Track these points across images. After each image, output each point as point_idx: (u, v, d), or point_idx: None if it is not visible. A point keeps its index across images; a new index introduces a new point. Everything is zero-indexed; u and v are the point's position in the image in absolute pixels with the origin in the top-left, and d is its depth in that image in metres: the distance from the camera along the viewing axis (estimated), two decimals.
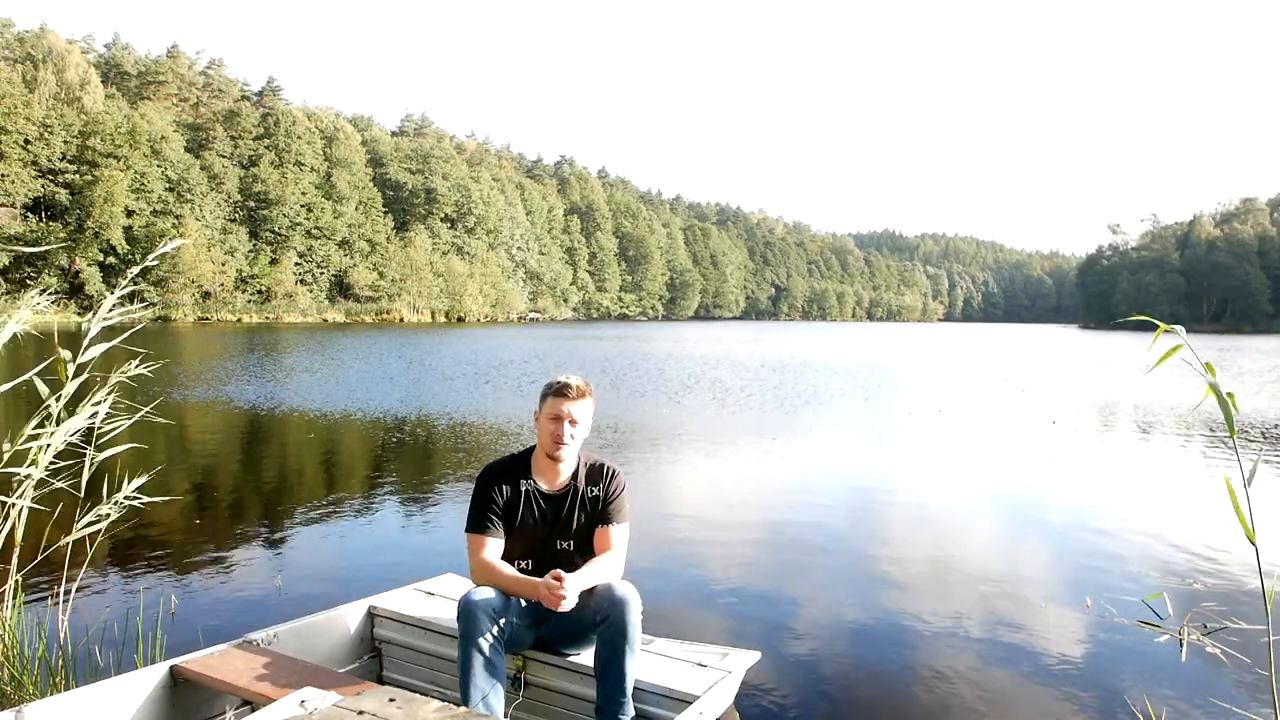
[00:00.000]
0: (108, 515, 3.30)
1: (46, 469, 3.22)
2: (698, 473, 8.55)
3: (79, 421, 3.29)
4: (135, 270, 3.56)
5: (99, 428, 3.42)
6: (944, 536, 6.05)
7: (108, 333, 3.57)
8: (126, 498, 3.36)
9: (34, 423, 3.20)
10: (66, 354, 3.24)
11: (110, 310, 3.47)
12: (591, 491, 2.92)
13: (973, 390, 18.94)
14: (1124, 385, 20.60)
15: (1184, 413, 13.98)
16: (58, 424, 3.23)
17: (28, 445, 3.19)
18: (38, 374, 3.19)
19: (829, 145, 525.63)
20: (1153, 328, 1.87)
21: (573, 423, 2.85)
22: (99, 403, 3.38)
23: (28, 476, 3.18)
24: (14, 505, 3.14)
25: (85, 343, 3.29)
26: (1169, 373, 25.20)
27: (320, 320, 72.21)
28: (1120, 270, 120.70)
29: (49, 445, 3.20)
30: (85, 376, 3.31)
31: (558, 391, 2.87)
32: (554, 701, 2.86)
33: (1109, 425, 13.20)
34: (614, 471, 2.98)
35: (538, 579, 2.70)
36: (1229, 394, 1.74)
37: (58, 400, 3.23)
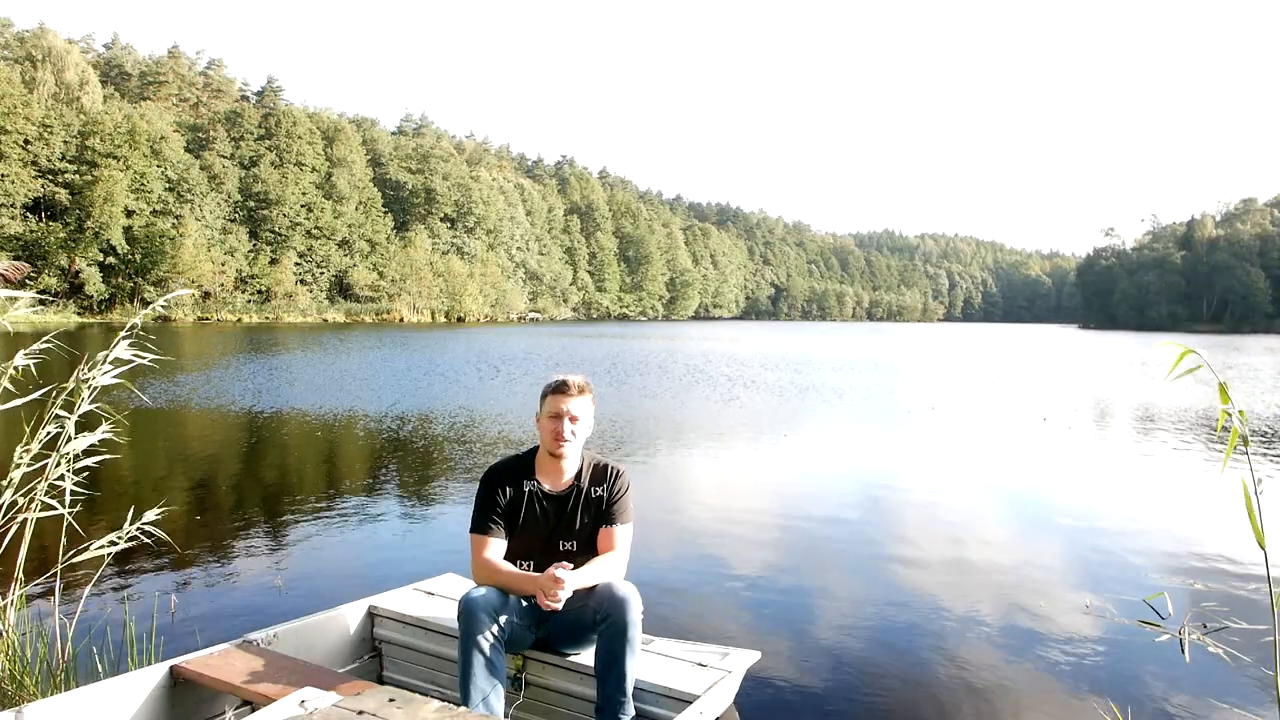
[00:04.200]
0: (123, 538, 3.30)
1: (54, 479, 3.23)
2: (698, 470, 8.54)
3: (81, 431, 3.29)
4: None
5: (99, 441, 3.42)
6: (943, 536, 6.05)
7: (106, 331, 3.56)
8: (141, 529, 3.36)
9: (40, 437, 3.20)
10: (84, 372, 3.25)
11: (129, 333, 3.47)
12: (595, 491, 2.93)
13: (969, 389, 18.93)
14: (1119, 384, 20.59)
15: (1192, 422, 13.97)
16: (72, 435, 3.24)
17: (35, 457, 3.20)
18: (40, 382, 3.20)
19: (829, 145, 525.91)
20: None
21: (573, 420, 2.86)
22: (104, 418, 3.37)
23: (34, 487, 3.18)
24: (22, 518, 3.14)
25: (99, 370, 3.28)
26: (1163, 371, 25.17)
27: (320, 320, 72.15)
28: (1120, 270, 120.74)
29: (59, 454, 3.21)
30: (93, 389, 3.31)
31: (557, 389, 2.89)
32: (554, 701, 2.86)
33: (1104, 423, 13.20)
34: (619, 472, 2.98)
35: (538, 574, 2.71)
36: (1239, 411, 1.76)
37: (70, 414, 3.24)
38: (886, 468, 9.07)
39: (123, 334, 3.52)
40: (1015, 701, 3.37)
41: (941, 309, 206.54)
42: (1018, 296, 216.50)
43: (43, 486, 3.22)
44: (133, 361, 3.49)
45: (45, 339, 3.49)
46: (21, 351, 3.35)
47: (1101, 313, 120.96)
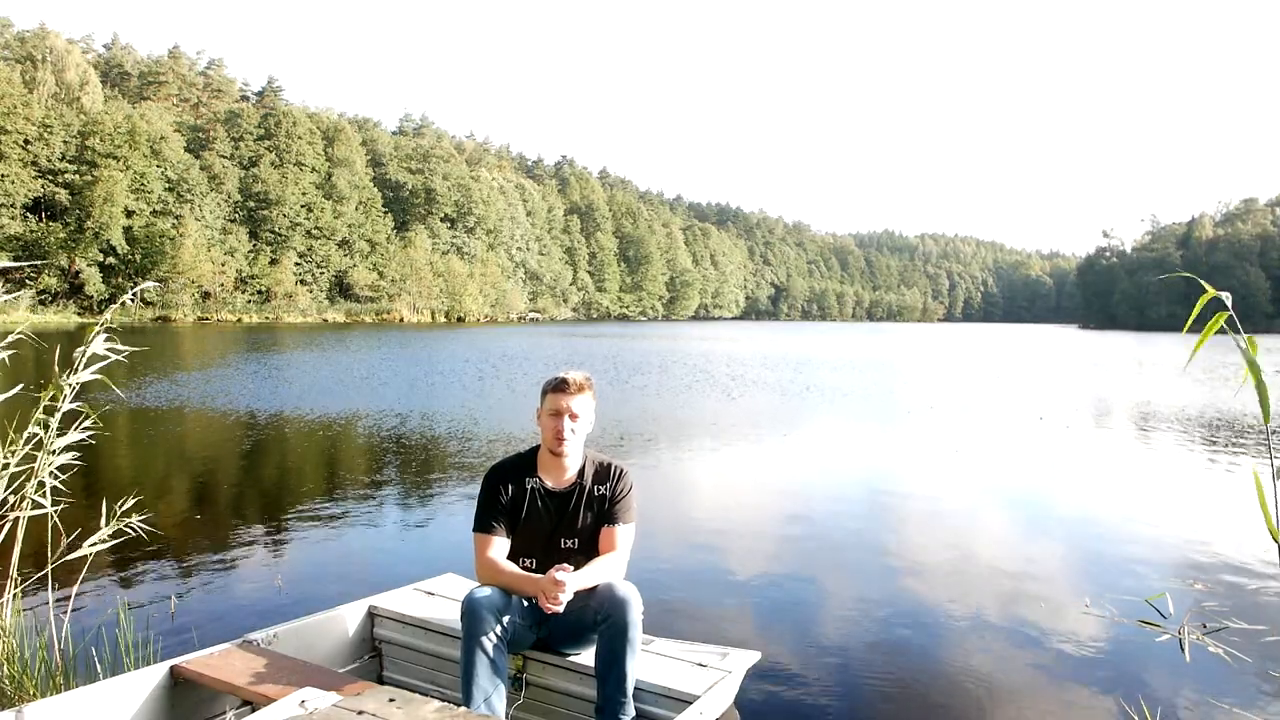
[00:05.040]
0: (115, 533, 3.30)
1: (49, 474, 3.23)
2: (698, 470, 8.55)
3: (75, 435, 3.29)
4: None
5: (92, 437, 3.41)
6: (942, 535, 6.05)
7: (106, 331, 3.56)
8: (130, 523, 3.36)
9: (30, 432, 3.19)
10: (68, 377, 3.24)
11: (101, 329, 3.45)
12: (598, 490, 2.93)
13: (968, 388, 18.93)
14: (1117, 383, 20.60)
15: (1190, 421, 13.98)
16: (58, 434, 3.23)
17: (26, 458, 3.19)
18: (37, 381, 3.19)
19: (829, 145, 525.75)
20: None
21: (573, 417, 2.85)
22: (87, 417, 3.36)
23: (28, 485, 3.18)
24: (16, 516, 3.14)
25: (78, 365, 3.27)
26: (1161, 371, 25.19)
27: (320, 320, 72.15)
28: (1120, 270, 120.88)
29: (51, 452, 3.21)
30: (87, 377, 3.31)
31: (556, 387, 2.88)
32: (554, 701, 2.86)
33: (1101, 422, 13.19)
34: (622, 471, 2.98)
35: (540, 576, 2.71)
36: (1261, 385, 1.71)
37: (54, 413, 3.23)
38: (886, 467, 9.07)
39: (97, 330, 3.50)
40: (1014, 702, 3.37)
41: (941, 309, 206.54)
42: (1018, 297, 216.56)
43: (33, 484, 3.21)
44: (109, 357, 3.47)
45: (13, 334, 3.48)
46: None
47: (1101, 313, 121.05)
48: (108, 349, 3.44)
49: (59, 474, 3.29)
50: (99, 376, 3.41)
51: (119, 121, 64.40)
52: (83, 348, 3.38)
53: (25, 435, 3.24)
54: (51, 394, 3.23)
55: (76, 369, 3.34)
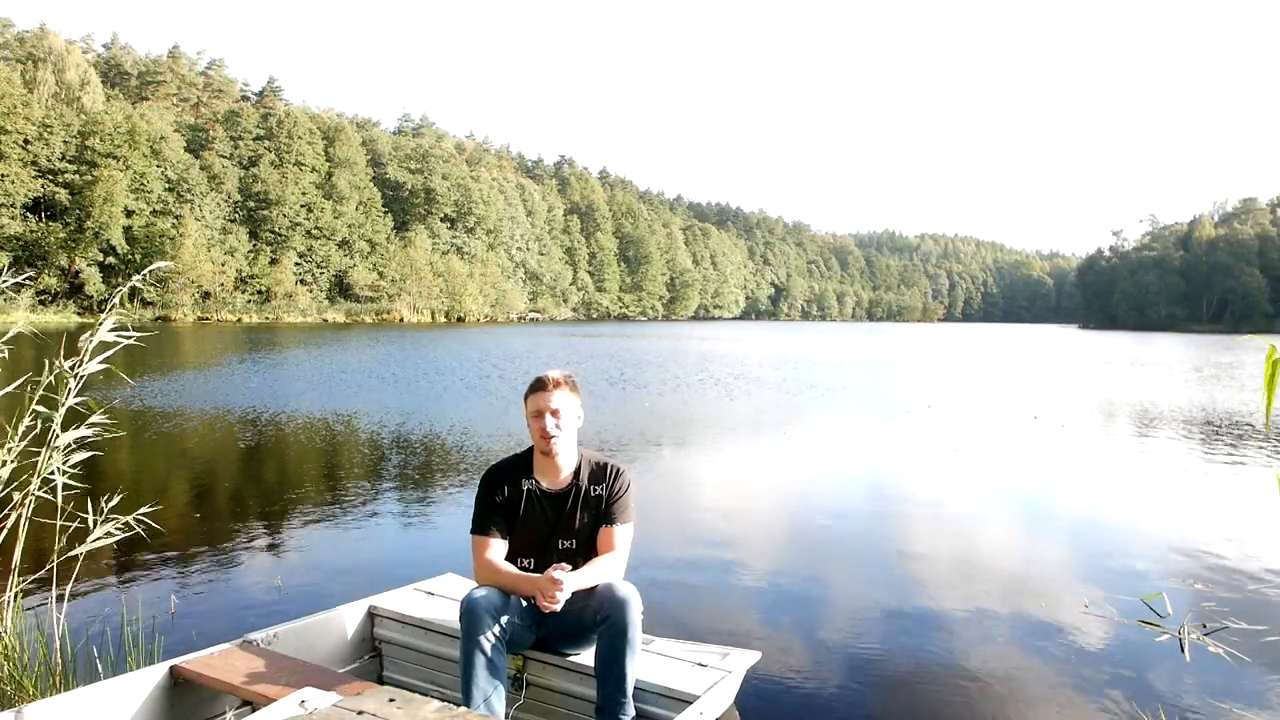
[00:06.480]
0: (116, 532, 3.30)
1: (50, 474, 3.22)
2: (698, 468, 8.54)
3: (78, 430, 3.28)
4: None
5: (93, 435, 3.40)
6: (942, 535, 6.05)
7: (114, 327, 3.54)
8: (135, 519, 3.36)
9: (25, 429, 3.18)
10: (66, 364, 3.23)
11: (110, 314, 3.44)
12: (595, 490, 2.93)
13: (967, 388, 18.93)
14: (1114, 382, 20.59)
15: (1187, 420, 13.97)
16: (61, 430, 3.23)
17: (28, 455, 3.19)
18: (36, 378, 3.19)
19: (829, 145, 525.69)
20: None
21: (555, 414, 2.86)
22: (90, 419, 3.35)
23: (31, 482, 3.18)
24: (17, 516, 3.14)
25: (84, 356, 3.25)
26: (1155, 370, 25.19)
27: (320, 320, 72.14)
28: (1120, 270, 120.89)
29: (50, 447, 3.20)
30: (84, 376, 3.31)
31: (535, 388, 2.91)
32: (554, 701, 2.86)
33: (1097, 421, 13.19)
34: (618, 471, 2.98)
35: (538, 576, 2.72)
36: None
37: (57, 407, 3.23)
38: (885, 467, 9.07)
39: (104, 316, 3.49)
40: (1014, 701, 3.37)
41: (941, 309, 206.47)
42: (1018, 296, 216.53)
43: (36, 482, 3.21)
44: (118, 344, 3.46)
45: (8, 334, 3.46)
46: None
47: (1101, 313, 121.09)
48: (116, 336, 3.43)
49: (63, 471, 3.28)
50: (107, 366, 3.40)
51: (119, 121, 64.38)
52: (89, 334, 3.37)
53: (22, 430, 3.24)
54: (47, 385, 3.22)
55: (83, 360, 3.33)
